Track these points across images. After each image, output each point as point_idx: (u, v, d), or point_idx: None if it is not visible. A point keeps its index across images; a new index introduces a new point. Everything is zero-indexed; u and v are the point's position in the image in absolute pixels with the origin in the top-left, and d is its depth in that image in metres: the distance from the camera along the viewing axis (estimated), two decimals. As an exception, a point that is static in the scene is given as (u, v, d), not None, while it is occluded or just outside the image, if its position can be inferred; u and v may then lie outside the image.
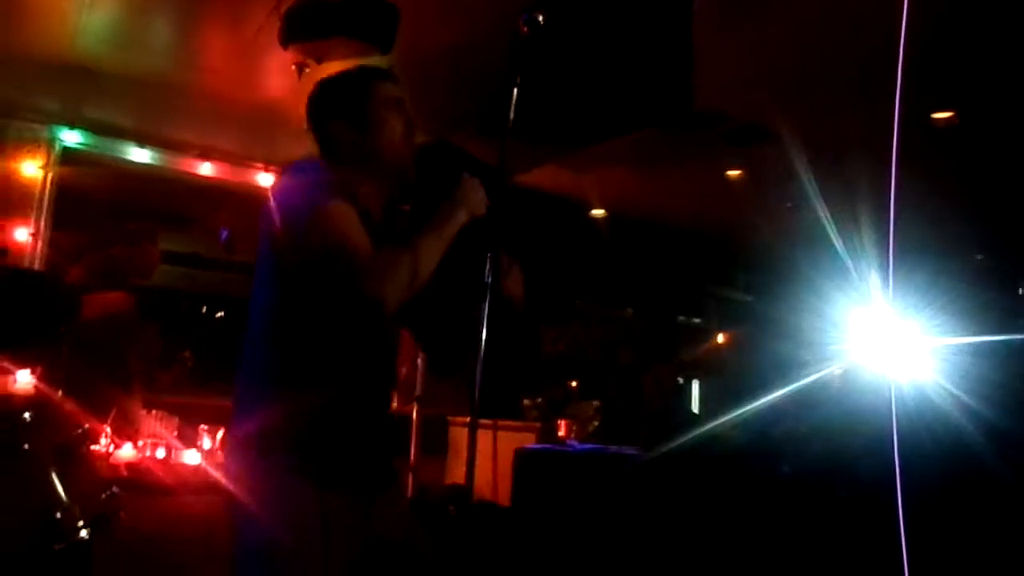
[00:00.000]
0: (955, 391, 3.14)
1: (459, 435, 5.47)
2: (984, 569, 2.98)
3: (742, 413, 3.67)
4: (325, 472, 1.71)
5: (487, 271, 1.74)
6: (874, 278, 3.43)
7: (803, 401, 3.63)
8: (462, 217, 1.79)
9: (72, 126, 4.81)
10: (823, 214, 4.54)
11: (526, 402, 5.76)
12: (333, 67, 3.58)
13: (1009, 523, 3.02)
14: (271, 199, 1.75)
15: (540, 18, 1.88)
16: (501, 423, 5.25)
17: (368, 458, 1.82)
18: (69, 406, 2.91)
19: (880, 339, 3.41)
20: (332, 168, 1.85)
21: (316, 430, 1.72)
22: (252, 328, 1.80)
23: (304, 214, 1.67)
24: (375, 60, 3.44)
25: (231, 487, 1.71)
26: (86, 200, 5.16)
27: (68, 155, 4.81)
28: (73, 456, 2.70)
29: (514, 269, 1.94)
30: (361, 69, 1.95)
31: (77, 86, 4.50)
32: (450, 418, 5.59)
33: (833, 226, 4.32)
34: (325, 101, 1.90)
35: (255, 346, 1.79)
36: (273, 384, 1.75)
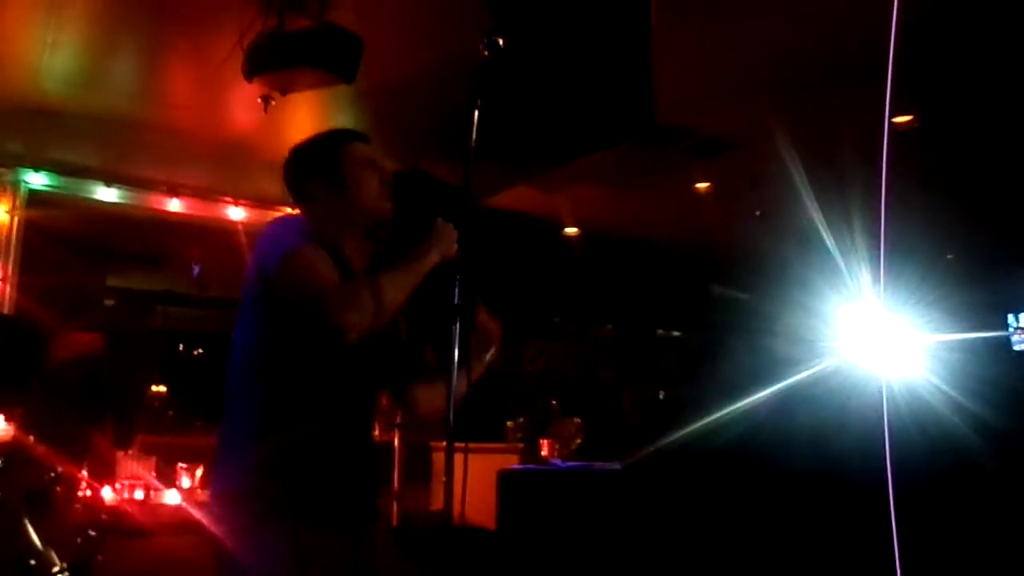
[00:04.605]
0: (945, 387, 3.17)
1: (442, 461, 5.43)
2: (976, 565, 3.00)
3: (725, 419, 3.68)
4: (304, 509, 1.72)
5: (456, 294, 1.76)
6: (860, 277, 3.47)
7: (789, 404, 3.64)
8: (433, 259, 1.84)
9: (38, 168, 4.76)
10: (795, 219, 4.60)
11: (508, 423, 5.75)
12: (298, 99, 3.63)
13: (1000, 518, 3.04)
14: (255, 253, 1.83)
15: (500, 42, 1.90)
16: (482, 445, 5.24)
17: (349, 494, 1.83)
18: (42, 451, 2.86)
19: (862, 338, 3.45)
20: (314, 225, 1.91)
21: (296, 467, 1.74)
22: (234, 367, 1.84)
23: (277, 256, 1.75)
24: (339, 91, 3.46)
25: (213, 527, 1.72)
26: (55, 242, 5.11)
27: (35, 197, 4.76)
28: (47, 501, 2.66)
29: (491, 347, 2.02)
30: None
31: (41, 128, 4.47)
32: (432, 444, 5.56)
33: (812, 229, 4.39)
34: (301, 164, 1.98)
35: (237, 385, 1.83)
36: (254, 423, 1.77)
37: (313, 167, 1.95)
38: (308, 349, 1.76)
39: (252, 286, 1.82)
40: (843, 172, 4.06)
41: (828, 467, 3.28)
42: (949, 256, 6.99)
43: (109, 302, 6.28)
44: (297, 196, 1.98)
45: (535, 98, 2.64)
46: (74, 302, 4.32)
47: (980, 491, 3.10)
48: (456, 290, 1.77)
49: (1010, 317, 6.67)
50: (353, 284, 1.77)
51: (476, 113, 1.81)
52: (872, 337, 3.35)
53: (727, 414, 3.61)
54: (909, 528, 2.54)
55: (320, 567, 1.70)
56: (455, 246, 1.88)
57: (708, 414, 3.67)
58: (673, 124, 4.34)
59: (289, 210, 2.33)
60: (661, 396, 6.21)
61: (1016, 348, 6.46)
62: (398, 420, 5.55)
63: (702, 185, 5.44)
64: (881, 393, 2.82)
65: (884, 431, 2.59)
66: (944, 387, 3.16)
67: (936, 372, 3.19)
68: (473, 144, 1.80)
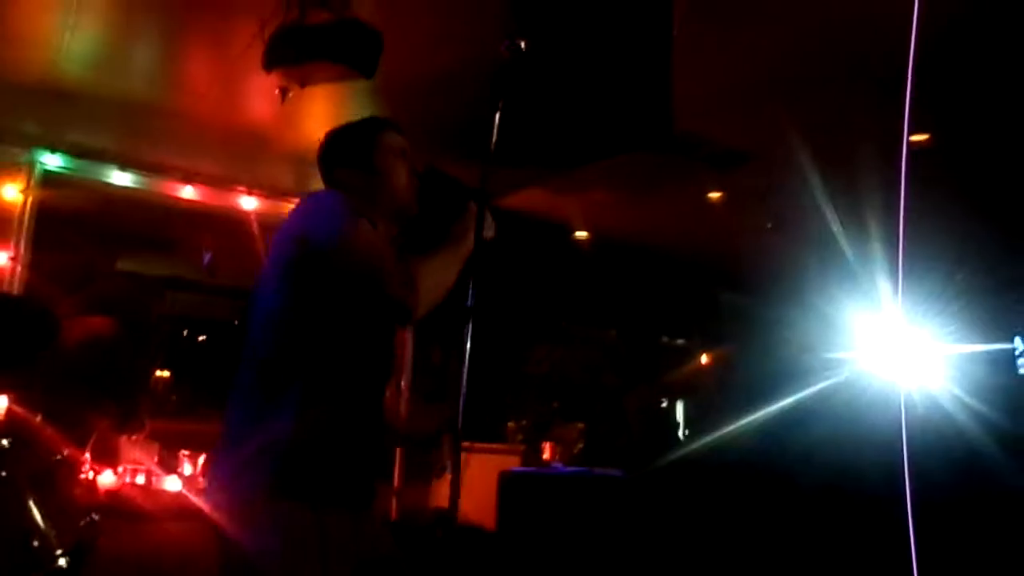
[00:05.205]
0: (966, 398, 3.15)
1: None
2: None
3: (732, 430, 3.66)
4: (321, 491, 1.73)
5: (470, 296, 1.76)
6: (878, 288, 3.46)
7: (806, 413, 3.61)
8: (471, 240, 1.86)
9: (53, 149, 4.77)
10: (809, 230, 4.60)
11: (510, 424, 5.75)
12: (316, 92, 3.63)
13: (1021, 529, 3.01)
14: (296, 222, 1.82)
15: (522, 44, 1.91)
16: (485, 446, 5.24)
17: (360, 476, 1.85)
18: (48, 432, 2.86)
19: (880, 348, 3.43)
20: None
21: (313, 449, 1.74)
22: (249, 349, 1.83)
23: (334, 229, 1.75)
24: (358, 85, 3.46)
25: (219, 512, 1.70)
26: (67, 223, 5.12)
27: (49, 178, 4.77)
28: (51, 483, 2.66)
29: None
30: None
31: (59, 109, 4.49)
32: (434, 441, 5.56)
33: (828, 239, 4.39)
34: (334, 150, 2.02)
35: (251, 368, 1.81)
36: (269, 406, 1.75)
37: (347, 153, 2.00)
38: (347, 323, 1.77)
39: (289, 255, 1.79)
40: (860, 184, 4.05)
41: (844, 477, 3.24)
42: (959, 277, 6.94)
43: (118, 285, 6.29)
44: (329, 183, 2.01)
45: (553, 101, 2.65)
46: (83, 284, 4.33)
47: (1002, 503, 3.06)
48: (470, 292, 1.77)
49: (1017, 340, 6.59)
50: (416, 266, 1.76)
51: (498, 115, 1.82)
52: (891, 347, 3.34)
53: (739, 425, 3.60)
54: (928, 539, 2.51)
55: (338, 548, 1.70)
56: (493, 229, 1.92)
57: (719, 424, 3.66)
58: (689, 132, 4.33)
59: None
60: (664, 404, 6.20)
61: (1021, 371, 6.38)
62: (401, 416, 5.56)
63: (715, 194, 5.43)
64: (900, 403, 2.80)
65: (903, 441, 2.56)
66: (965, 398, 3.14)
67: (956, 383, 3.17)
68: (493, 145, 1.81)
